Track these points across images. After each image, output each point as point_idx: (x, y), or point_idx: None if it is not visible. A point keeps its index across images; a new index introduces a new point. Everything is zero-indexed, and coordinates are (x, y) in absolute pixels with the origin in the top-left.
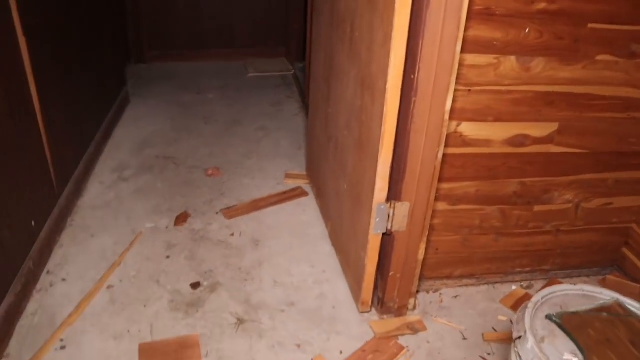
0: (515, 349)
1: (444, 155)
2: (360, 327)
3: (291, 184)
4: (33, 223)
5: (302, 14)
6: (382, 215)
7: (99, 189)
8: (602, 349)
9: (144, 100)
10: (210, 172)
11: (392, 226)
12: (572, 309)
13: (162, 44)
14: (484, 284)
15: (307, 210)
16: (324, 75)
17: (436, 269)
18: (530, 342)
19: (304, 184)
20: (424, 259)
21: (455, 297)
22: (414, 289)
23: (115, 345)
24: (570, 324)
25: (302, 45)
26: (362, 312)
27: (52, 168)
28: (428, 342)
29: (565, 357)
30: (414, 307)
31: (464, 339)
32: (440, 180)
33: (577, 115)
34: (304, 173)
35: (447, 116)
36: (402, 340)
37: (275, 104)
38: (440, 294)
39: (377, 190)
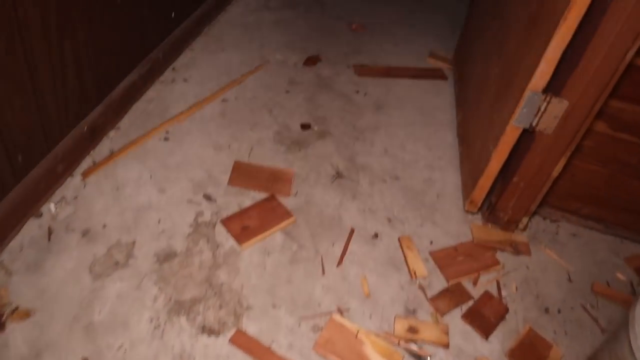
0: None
1: (633, 64)
2: (459, 225)
3: (432, 64)
4: (172, 14)
5: None
6: (532, 106)
7: (242, 10)
8: None
9: None
10: (354, 26)
11: (538, 123)
12: None
13: None
14: (611, 234)
15: (441, 94)
16: None
17: (564, 199)
18: None
19: (446, 68)
20: (554, 182)
21: (574, 235)
22: (533, 208)
23: (213, 153)
24: None
25: None
26: (466, 212)
27: None
28: (528, 268)
29: None
30: (525, 228)
31: (570, 280)
32: (613, 92)
33: None
34: (449, 57)
35: None
36: (499, 256)
37: None
38: (558, 226)
39: (537, 73)
